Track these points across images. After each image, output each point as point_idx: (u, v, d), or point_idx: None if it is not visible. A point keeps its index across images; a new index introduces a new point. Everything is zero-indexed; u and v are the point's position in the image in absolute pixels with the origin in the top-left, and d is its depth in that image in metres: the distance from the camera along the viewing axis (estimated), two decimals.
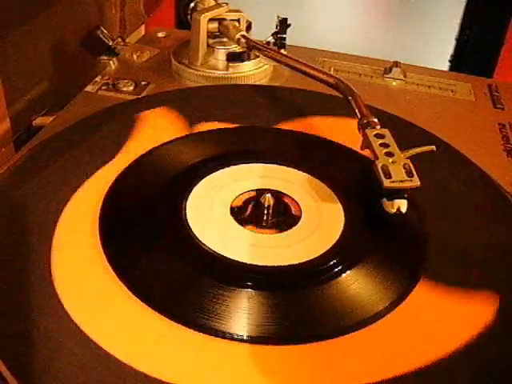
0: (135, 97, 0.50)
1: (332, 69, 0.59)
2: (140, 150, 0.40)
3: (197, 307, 0.29)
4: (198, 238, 0.34)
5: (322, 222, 0.36)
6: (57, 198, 0.36)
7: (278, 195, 0.37)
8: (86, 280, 0.31)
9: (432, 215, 0.37)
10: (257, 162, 0.40)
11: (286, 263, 0.33)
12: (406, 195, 0.34)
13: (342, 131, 0.43)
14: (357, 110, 0.40)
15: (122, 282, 0.31)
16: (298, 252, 0.33)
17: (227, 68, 0.53)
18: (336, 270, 0.32)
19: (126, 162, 0.39)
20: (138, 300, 0.30)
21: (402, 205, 0.34)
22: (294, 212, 0.37)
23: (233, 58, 0.53)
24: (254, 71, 0.54)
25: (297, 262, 0.33)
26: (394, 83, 0.57)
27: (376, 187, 0.34)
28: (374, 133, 0.37)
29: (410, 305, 0.31)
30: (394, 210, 0.34)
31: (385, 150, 0.35)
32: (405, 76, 0.58)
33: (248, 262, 0.32)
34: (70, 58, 0.55)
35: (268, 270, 0.32)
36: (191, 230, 0.34)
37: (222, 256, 0.33)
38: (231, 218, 0.36)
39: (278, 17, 0.55)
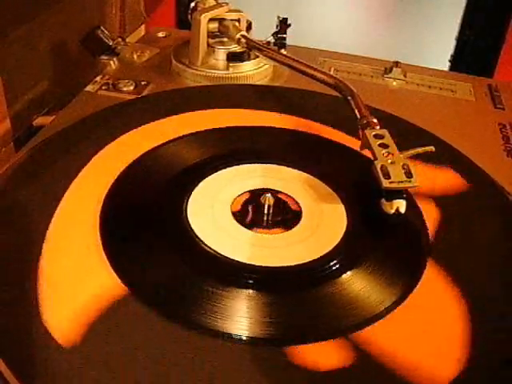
0: (135, 97, 0.50)
1: (332, 69, 0.59)
2: None
3: (196, 307, 0.29)
4: (198, 238, 0.34)
5: (322, 222, 0.36)
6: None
7: (278, 195, 0.37)
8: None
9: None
10: (257, 162, 0.40)
11: (287, 264, 0.33)
12: (404, 195, 0.34)
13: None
14: (356, 110, 0.40)
15: (121, 282, 0.31)
16: (299, 252, 0.33)
17: (227, 68, 0.53)
18: (337, 270, 0.32)
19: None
20: (137, 300, 0.30)
21: (401, 205, 0.34)
22: (294, 212, 0.37)
23: (233, 57, 0.53)
24: (254, 71, 0.54)
25: (297, 263, 0.33)
26: (394, 83, 0.57)
27: (375, 187, 0.34)
28: (373, 133, 0.37)
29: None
30: (393, 211, 0.34)
31: (384, 151, 0.35)
32: (405, 76, 0.58)
33: (248, 263, 0.32)
34: (70, 58, 0.55)
35: (268, 271, 0.32)
36: (192, 229, 0.34)
37: (223, 256, 0.33)
38: (232, 218, 0.36)
39: (278, 17, 0.55)
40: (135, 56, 0.57)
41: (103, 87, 0.52)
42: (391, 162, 0.35)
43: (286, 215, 0.36)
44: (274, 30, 0.55)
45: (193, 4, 0.54)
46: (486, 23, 0.85)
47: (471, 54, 0.87)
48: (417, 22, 0.94)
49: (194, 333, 0.28)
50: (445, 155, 0.42)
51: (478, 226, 0.37)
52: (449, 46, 0.89)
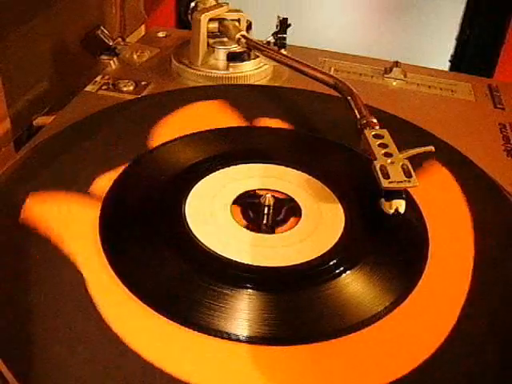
0: (135, 97, 0.50)
1: (332, 69, 0.59)
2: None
3: (197, 307, 0.29)
4: (197, 239, 0.34)
5: (321, 222, 0.36)
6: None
7: (278, 195, 0.37)
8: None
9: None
10: (257, 162, 0.40)
11: (286, 263, 0.33)
12: (404, 196, 0.34)
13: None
14: (356, 111, 0.40)
15: (121, 282, 0.31)
16: (298, 252, 0.33)
17: (227, 68, 0.53)
18: (336, 270, 0.32)
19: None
20: (137, 300, 0.30)
21: (400, 205, 0.34)
22: (293, 212, 0.37)
23: (233, 57, 0.53)
24: (254, 71, 0.54)
25: (297, 263, 0.33)
26: (394, 83, 0.57)
27: (375, 188, 0.34)
28: (373, 133, 0.37)
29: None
30: (392, 211, 0.34)
31: (383, 151, 0.35)
32: (405, 76, 0.58)
33: (248, 263, 0.32)
34: (70, 58, 0.55)
35: (268, 271, 0.32)
36: (191, 230, 0.34)
37: (222, 256, 0.33)
38: (231, 218, 0.36)
39: (279, 17, 0.55)
40: (135, 56, 0.57)
41: (103, 87, 0.52)
42: (391, 162, 0.35)
43: (285, 215, 0.36)
44: (274, 29, 0.55)
45: (193, 4, 0.54)
46: (486, 23, 0.85)
47: (471, 54, 0.88)
48: (417, 22, 0.94)
49: (193, 332, 0.28)
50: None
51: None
52: (449, 46, 0.89)
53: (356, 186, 0.39)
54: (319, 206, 0.37)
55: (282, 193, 0.38)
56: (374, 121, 0.38)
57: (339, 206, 0.37)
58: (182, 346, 0.28)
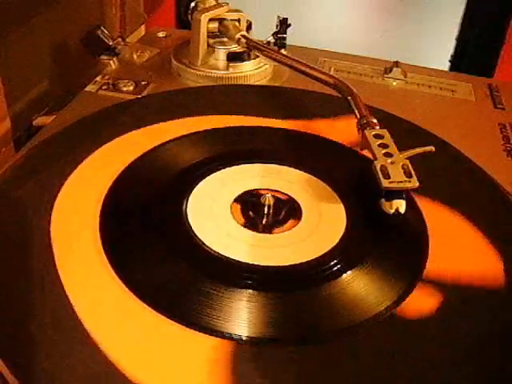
0: (135, 97, 0.50)
1: (332, 69, 0.59)
2: None
3: (197, 307, 0.29)
4: (198, 238, 0.34)
5: (322, 222, 0.36)
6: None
7: (278, 195, 0.37)
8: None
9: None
10: (257, 162, 0.40)
11: (287, 263, 0.33)
12: (404, 196, 0.34)
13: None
14: (356, 111, 0.40)
15: (122, 282, 0.31)
16: (299, 252, 0.33)
17: (227, 68, 0.53)
18: (337, 270, 0.32)
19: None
20: (138, 300, 0.30)
21: (401, 205, 0.34)
22: (294, 212, 0.37)
23: (233, 57, 0.53)
24: (254, 71, 0.54)
25: (297, 262, 0.33)
26: (395, 83, 0.57)
27: (375, 187, 0.34)
28: (373, 133, 0.37)
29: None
30: (393, 211, 0.34)
31: (384, 151, 0.36)
32: (405, 76, 0.58)
33: (248, 262, 0.32)
34: (70, 58, 0.55)
35: (268, 270, 0.32)
36: (192, 229, 0.34)
37: (223, 256, 0.33)
38: (232, 218, 0.36)
39: (279, 17, 0.55)
40: (135, 56, 0.57)
41: (103, 87, 0.52)
42: (391, 162, 0.35)
43: (285, 215, 0.36)
44: (274, 29, 0.55)
45: (193, 4, 0.54)
46: (486, 23, 0.85)
47: (471, 54, 0.87)
48: (417, 22, 0.94)
49: (194, 333, 0.28)
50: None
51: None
52: (449, 46, 0.89)
53: (357, 186, 0.39)
54: (320, 205, 0.37)
55: (283, 193, 0.38)
56: (374, 121, 0.38)
57: (341, 205, 0.37)
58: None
